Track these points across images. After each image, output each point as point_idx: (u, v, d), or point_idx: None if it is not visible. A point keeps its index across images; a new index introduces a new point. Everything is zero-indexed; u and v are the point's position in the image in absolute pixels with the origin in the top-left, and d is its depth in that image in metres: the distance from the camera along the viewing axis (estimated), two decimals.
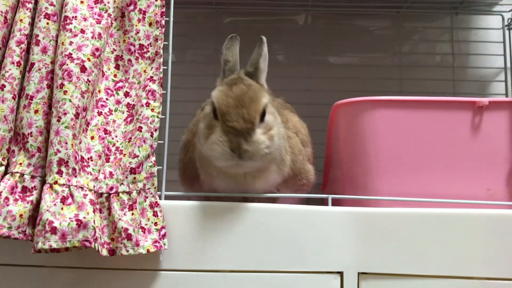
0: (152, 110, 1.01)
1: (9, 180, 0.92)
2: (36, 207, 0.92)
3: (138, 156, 0.98)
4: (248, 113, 0.94)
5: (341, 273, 1.04)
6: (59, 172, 0.91)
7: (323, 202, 1.16)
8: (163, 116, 1.06)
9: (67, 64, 0.95)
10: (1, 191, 0.90)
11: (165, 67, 1.09)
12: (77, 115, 0.93)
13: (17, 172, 0.93)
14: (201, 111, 1.19)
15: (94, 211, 0.91)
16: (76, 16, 1.00)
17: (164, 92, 1.07)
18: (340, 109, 1.19)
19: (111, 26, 1.06)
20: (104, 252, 0.93)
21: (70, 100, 0.93)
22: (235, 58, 1.08)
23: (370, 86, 1.67)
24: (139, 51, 1.06)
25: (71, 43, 0.97)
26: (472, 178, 1.10)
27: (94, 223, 0.89)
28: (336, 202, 1.09)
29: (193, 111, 1.31)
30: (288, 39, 1.77)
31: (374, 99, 1.13)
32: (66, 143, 0.91)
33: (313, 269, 1.03)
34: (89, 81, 0.96)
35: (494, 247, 1.04)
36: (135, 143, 0.99)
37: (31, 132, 0.94)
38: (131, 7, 1.07)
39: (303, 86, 1.69)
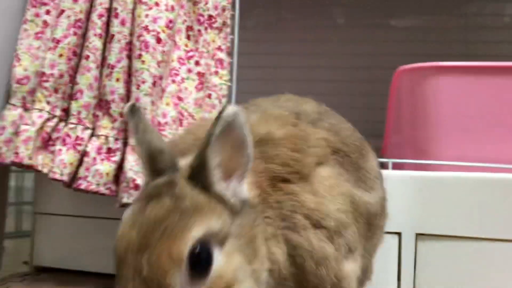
0: (220, 78, 1.08)
1: (95, 142, 1.02)
2: (119, 166, 1.02)
3: None
4: (152, 263, 0.49)
5: (399, 234, 1.09)
6: None
7: (383, 166, 1.19)
8: (230, 84, 1.13)
9: (143, 36, 1.02)
10: (89, 152, 1.01)
11: (231, 36, 1.15)
12: (154, 84, 1.01)
13: (102, 135, 1.03)
14: None
15: None
16: None
17: (231, 60, 1.13)
18: (403, 75, 1.21)
19: None
20: None
21: (148, 70, 1.01)
22: (159, 141, 0.57)
23: (434, 49, 1.65)
24: (208, 21, 1.12)
25: (146, 15, 1.04)
26: None
27: None
28: (396, 167, 1.13)
29: (256, 76, 1.37)
30: (348, 2, 1.76)
31: (439, 65, 1.13)
32: (146, 109, 1.00)
33: None
34: (164, 52, 1.04)
35: None
36: (206, 109, 1.06)
37: (113, 99, 1.03)
38: None
39: (363, 50, 1.69)
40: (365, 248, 0.71)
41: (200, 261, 0.49)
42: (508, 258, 1.05)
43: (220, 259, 0.51)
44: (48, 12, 1.09)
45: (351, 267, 0.65)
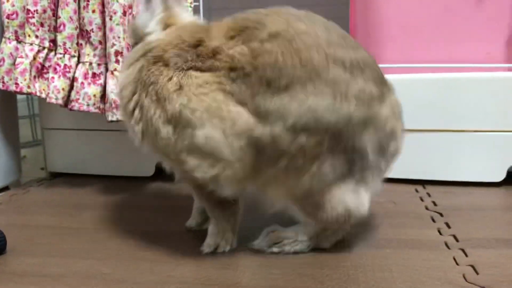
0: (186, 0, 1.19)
1: (81, 68, 1.18)
2: (104, 88, 1.19)
3: None
4: None
5: None
6: (117, 62, 1.15)
7: None
8: (197, 3, 1.24)
9: None
10: (78, 77, 1.17)
11: None
12: (124, 13, 1.14)
13: (86, 62, 1.18)
14: None
15: None
16: None
17: None
18: None
19: None
20: None
21: (117, 1, 1.13)
22: None
23: None
24: None
25: None
26: (473, 43, 1.22)
27: None
28: None
29: None
30: None
31: None
32: (119, 37, 1.14)
33: None
34: None
35: (488, 104, 1.19)
36: None
37: (92, 29, 1.17)
38: None
39: None
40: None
41: None
42: (446, 146, 1.22)
43: None
44: None
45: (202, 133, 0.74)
